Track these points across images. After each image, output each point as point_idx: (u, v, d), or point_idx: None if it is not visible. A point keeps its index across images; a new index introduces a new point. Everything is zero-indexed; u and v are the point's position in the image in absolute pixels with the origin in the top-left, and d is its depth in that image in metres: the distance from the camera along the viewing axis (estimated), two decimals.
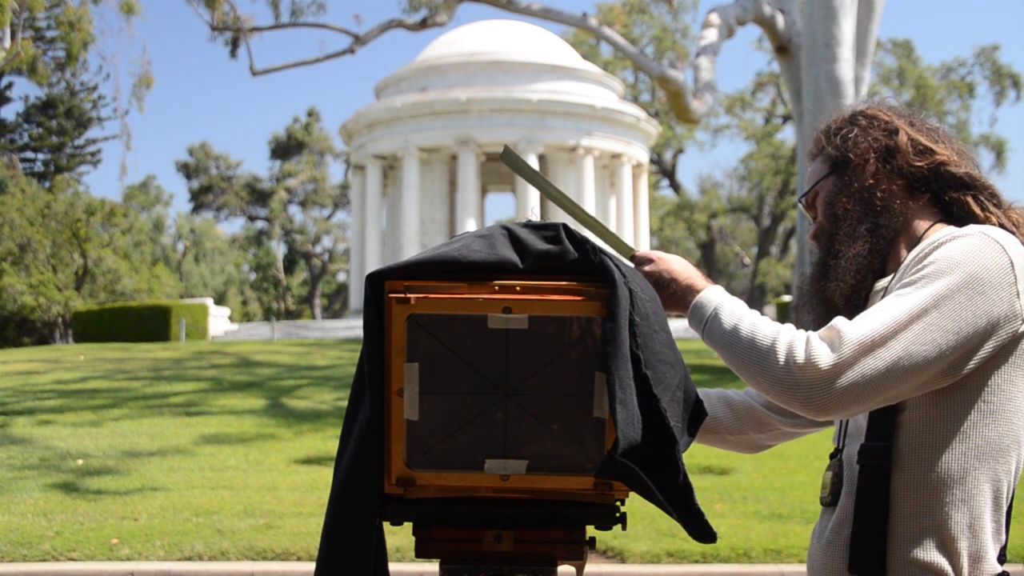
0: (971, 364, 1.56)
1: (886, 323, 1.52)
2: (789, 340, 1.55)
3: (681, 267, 1.76)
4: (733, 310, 1.66)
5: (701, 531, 1.52)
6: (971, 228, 1.64)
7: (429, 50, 36.25)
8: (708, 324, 1.67)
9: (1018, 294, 1.56)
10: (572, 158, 33.32)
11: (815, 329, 1.71)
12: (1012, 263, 1.57)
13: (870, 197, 1.78)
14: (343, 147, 48.11)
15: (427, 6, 24.29)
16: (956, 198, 1.77)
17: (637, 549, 6.41)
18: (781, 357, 1.54)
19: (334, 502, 1.56)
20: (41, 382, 15.13)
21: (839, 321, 1.55)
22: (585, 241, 1.55)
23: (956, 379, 1.57)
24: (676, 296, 1.74)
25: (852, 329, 1.52)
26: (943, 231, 1.69)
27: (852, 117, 1.87)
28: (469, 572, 1.55)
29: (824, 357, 1.50)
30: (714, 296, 1.70)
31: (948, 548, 1.58)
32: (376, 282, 1.53)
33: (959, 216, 1.77)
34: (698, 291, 1.72)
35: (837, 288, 1.74)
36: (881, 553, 1.61)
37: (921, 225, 1.77)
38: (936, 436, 1.60)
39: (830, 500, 1.71)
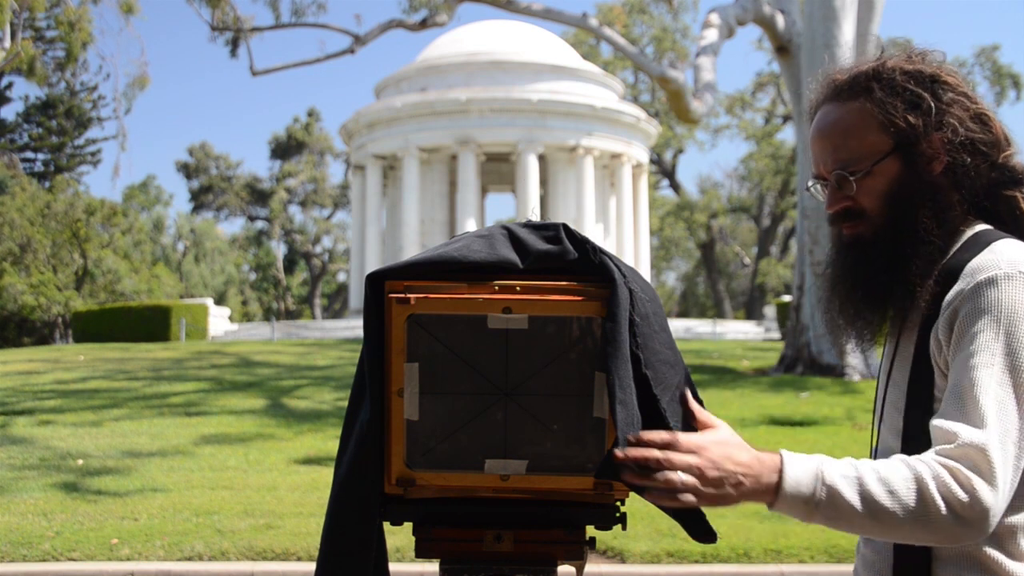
0: None
1: (1004, 425, 1.37)
2: (936, 477, 1.35)
3: (738, 439, 1.41)
4: (843, 471, 1.37)
5: (701, 531, 1.52)
6: (1002, 259, 1.46)
7: (429, 50, 36.25)
8: (821, 498, 1.36)
9: None
10: (572, 158, 33.32)
11: (838, 323, 1.62)
12: None
13: (945, 197, 1.55)
14: (343, 147, 48.12)
15: (427, 6, 24.31)
16: (1010, 196, 1.57)
17: (637, 549, 6.41)
18: (943, 507, 1.34)
19: (334, 502, 1.56)
20: (41, 382, 15.13)
21: (965, 434, 1.36)
22: (585, 241, 1.54)
23: None
24: (751, 486, 1.37)
25: (992, 447, 1.35)
26: (977, 245, 1.52)
27: (929, 81, 1.56)
28: (469, 572, 1.55)
29: (984, 489, 1.34)
30: (804, 463, 1.38)
31: (993, 568, 1.48)
32: (376, 282, 1.53)
33: (1005, 216, 1.57)
34: (777, 466, 1.37)
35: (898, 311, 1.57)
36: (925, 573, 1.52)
37: (957, 224, 1.56)
38: None
39: None
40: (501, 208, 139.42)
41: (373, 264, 33.25)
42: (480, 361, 1.51)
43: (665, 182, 51.15)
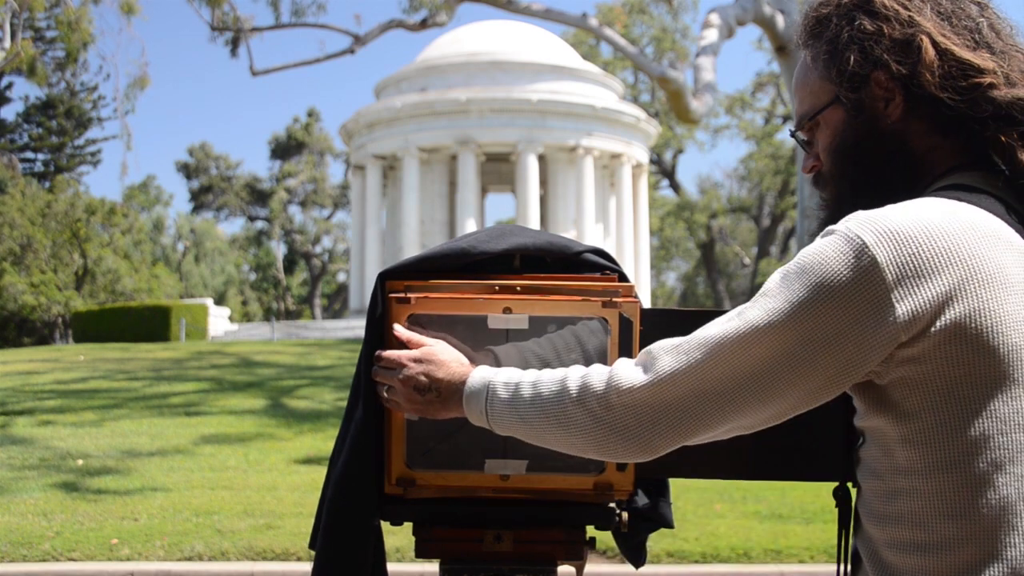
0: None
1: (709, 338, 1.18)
2: (581, 376, 1.24)
3: (448, 358, 1.41)
4: (509, 378, 1.32)
5: (634, 554, 1.70)
6: (865, 215, 1.15)
7: (429, 50, 36.24)
8: (489, 408, 1.32)
9: (893, 301, 1.11)
10: (572, 158, 33.31)
11: None
12: (877, 262, 1.11)
13: (905, 147, 1.26)
14: (343, 147, 48.09)
15: (427, 6, 24.29)
16: (994, 138, 1.22)
17: None
18: (576, 398, 1.22)
19: (331, 501, 1.56)
20: (41, 382, 15.12)
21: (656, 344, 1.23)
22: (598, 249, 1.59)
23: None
24: (443, 398, 1.39)
25: (665, 346, 1.20)
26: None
27: (850, 8, 1.27)
28: (469, 572, 1.56)
29: (636, 378, 1.19)
30: (482, 374, 1.35)
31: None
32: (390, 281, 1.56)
33: (1009, 165, 1.22)
34: (464, 379, 1.37)
35: None
36: None
37: (936, 168, 1.26)
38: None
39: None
40: (501, 208, 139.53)
41: (373, 264, 33.26)
42: (480, 361, 1.51)
43: (665, 182, 51.12)
